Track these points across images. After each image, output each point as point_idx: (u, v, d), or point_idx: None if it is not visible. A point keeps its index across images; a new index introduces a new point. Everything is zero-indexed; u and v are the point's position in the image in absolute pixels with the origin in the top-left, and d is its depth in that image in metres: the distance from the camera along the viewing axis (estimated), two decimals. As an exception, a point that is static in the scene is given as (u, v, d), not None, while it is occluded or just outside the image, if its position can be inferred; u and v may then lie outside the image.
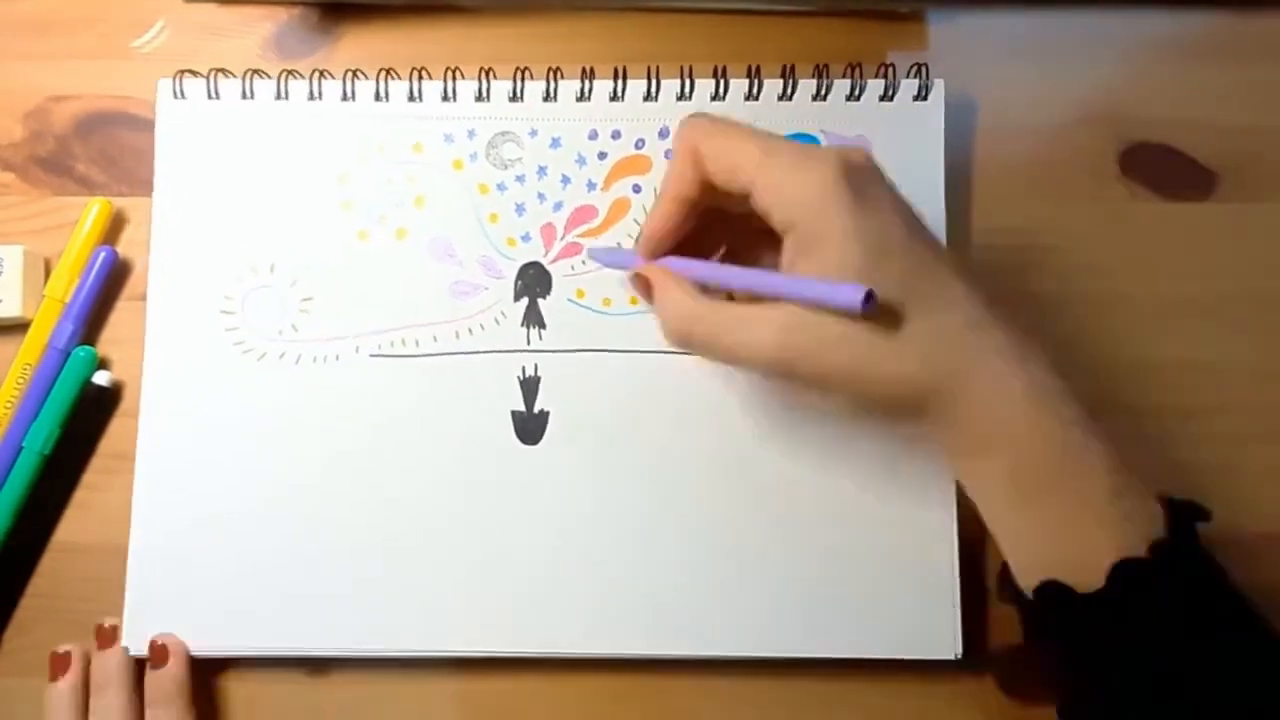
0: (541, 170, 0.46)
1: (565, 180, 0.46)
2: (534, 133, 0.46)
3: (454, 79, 0.46)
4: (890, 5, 0.48)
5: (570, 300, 0.45)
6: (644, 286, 0.40)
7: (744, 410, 0.44)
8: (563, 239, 0.46)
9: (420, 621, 0.43)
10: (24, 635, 0.45)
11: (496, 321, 0.45)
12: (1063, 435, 0.36)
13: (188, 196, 0.46)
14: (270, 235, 0.46)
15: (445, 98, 0.46)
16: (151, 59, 0.49)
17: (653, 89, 0.46)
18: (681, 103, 0.46)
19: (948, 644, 0.43)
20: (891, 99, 0.46)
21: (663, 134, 0.46)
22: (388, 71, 0.46)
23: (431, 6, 0.49)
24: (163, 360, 0.45)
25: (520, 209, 0.46)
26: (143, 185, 0.48)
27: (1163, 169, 0.48)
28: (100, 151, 0.48)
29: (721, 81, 0.46)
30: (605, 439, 0.44)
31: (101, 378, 0.46)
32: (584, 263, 0.46)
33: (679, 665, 0.44)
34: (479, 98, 0.46)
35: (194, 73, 0.46)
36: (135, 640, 0.43)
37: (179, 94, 0.46)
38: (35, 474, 0.45)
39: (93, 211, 0.47)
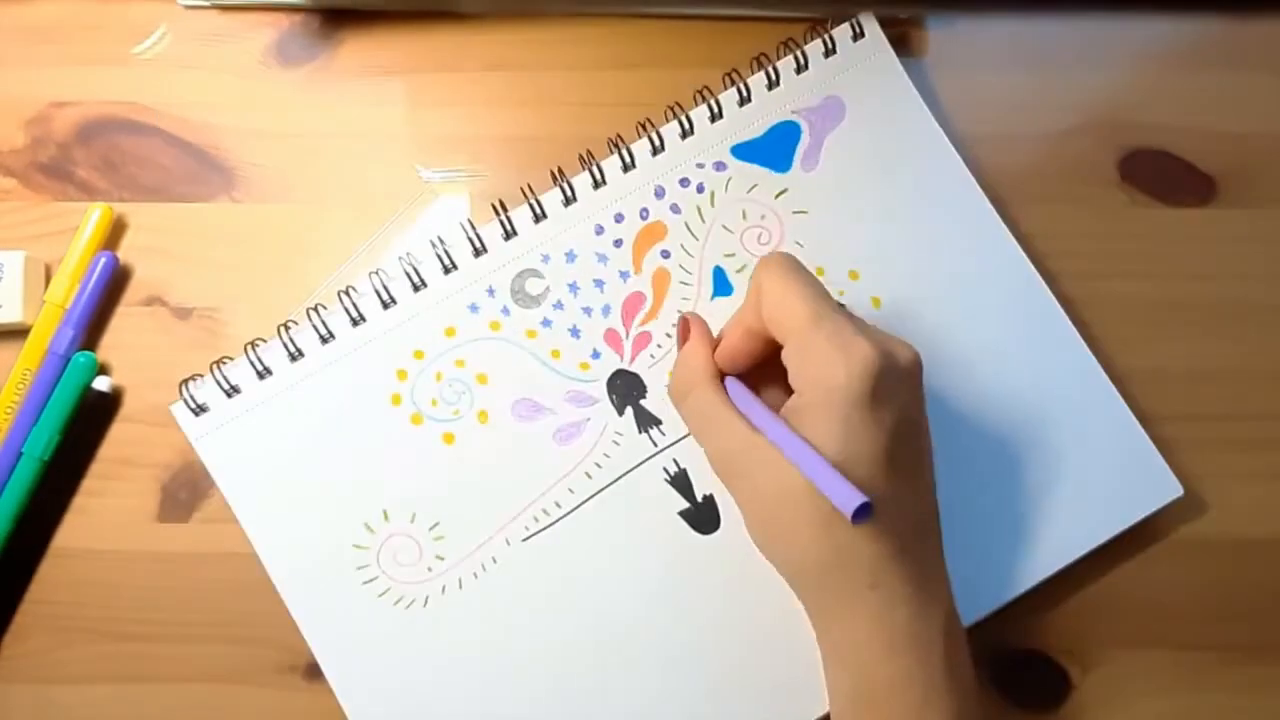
0: (573, 287, 0.45)
1: (599, 284, 0.45)
2: (546, 258, 0.46)
3: (443, 247, 0.45)
4: (890, 11, 0.48)
5: (667, 385, 0.44)
6: (682, 332, 0.43)
7: None
8: (629, 337, 0.45)
9: None
10: (22, 641, 0.45)
11: (615, 444, 0.44)
12: (901, 681, 0.37)
13: (265, 497, 0.44)
14: (365, 488, 0.44)
15: (447, 270, 0.45)
16: (153, 65, 0.49)
17: (626, 157, 0.46)
18: (658, 157, 0.46)
19: None
20: (835, 50, 0.46)
21: (659, 193, 0.46)
22: (377, 273, 0.45)
23: (432, 12, 0.49)
24: (335, 648, 0.43)
25: (575, 332, 0.45)
26: (144, 191, 0.48)
27: (1162, 175, 0.48)
28: (101, 158, 0.48)
29: (683, 117, 0.46)
30: None
31: (101, 383, 0.46)
32: (660, 346, 0.45)
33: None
34: (477, 253, 0.45)
35: (195, 379, 0.44)
36: None
37: (197, 409, 0.44)
38: (35, 480, 0.45)
39: (93, 217, 0.47)
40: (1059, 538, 0.43)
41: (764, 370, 0.41)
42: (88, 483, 0.46)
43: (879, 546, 0.37)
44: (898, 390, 0.37)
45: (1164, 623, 0.45)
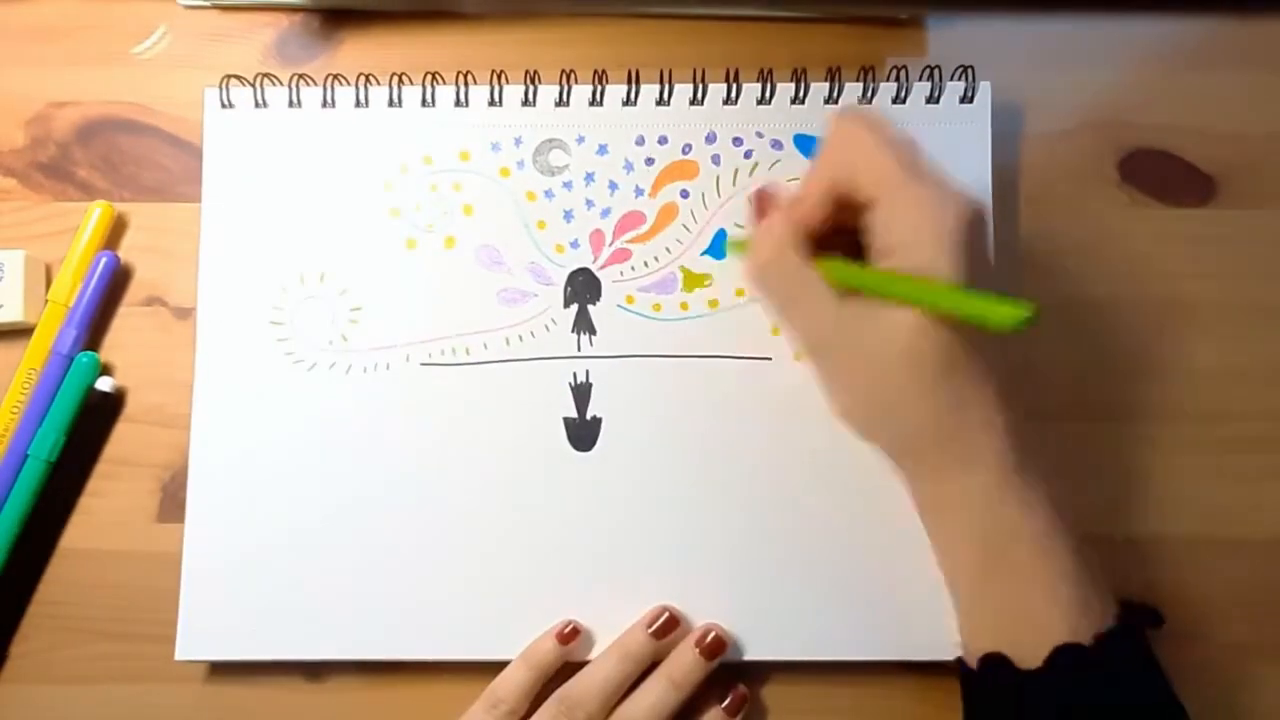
0: (589, 177, 0.46)
1: (613, 186, 0.46)
2: (581, 139, 0.46)
3: (500, 84, 0.46)
4: (891, 12, 0.48)
5: (620, 306, 0.45)
6: (759, 205, 0.41)
7: (795, 413, 0.44)
8: (611, 245, 0.46)
9: (475, 628, 0.43)
10: (29, 642, 0.45)
11: (547, 328, 0.45)
12: (1026, 519, 0.37)
13: (235, 206, 0.46)
14: (318, 244, 0.46)
15: (492, 103, 0.46)
16: (152, 65, 0.49)
17: (699, 93, 0.46)
18: (727, 107, 0.46)
19: None
20: (937, 101, 0.46)
21: (709, 139, 0.46)
22: (433, 76, 0.46)
23: (433, 13, 0.49)
24: (214, 370, 0.45)
25: (568, 215, 0.46)
26: (144, 191, 0.48)
27: (1162, 175, 0.48)
28: (101, 157, 0.48)
29: (767, 85, 0.46)
30: (658, 445, 0.44)
31: (104, 384, 0.46)
32: (633, 269, 0.46)
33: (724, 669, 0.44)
34: (525, 103, 0.46)
35: (240, 79, 0.46)
36: (190, 650, 0.43)
37: (226, 103, 0.46)
38: (41, 481, 0.45)
39: (94, 215, 0.47)
40: None
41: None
42: (92, 483, 0.46)
43: (991, 387, 0.37)
44: (983, 233, 0.37)
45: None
